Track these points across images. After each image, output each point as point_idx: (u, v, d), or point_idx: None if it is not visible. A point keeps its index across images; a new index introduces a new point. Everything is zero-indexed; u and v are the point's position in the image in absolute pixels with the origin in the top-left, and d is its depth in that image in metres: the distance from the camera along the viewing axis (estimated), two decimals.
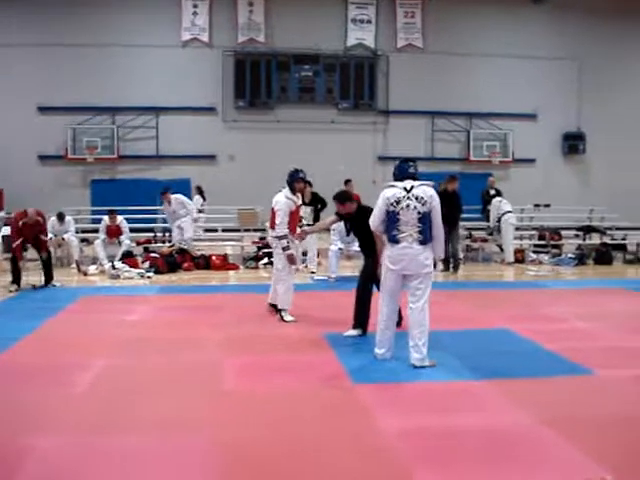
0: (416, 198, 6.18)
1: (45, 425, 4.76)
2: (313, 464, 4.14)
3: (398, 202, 6.17)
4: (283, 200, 8.40)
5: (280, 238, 8.33)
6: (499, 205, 15.22)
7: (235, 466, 4.12)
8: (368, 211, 7.57)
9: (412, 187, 6.22)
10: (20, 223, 10.74)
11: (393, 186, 6.29)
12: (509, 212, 15.16)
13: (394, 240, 6.23)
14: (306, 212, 12.76)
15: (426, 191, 6.25)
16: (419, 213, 6.18)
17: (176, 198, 14.47)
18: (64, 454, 4.29)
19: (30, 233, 10.90)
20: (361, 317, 7.52)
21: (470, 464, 4.13)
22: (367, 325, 7.51)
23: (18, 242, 10.72)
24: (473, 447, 4.41)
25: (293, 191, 8.57)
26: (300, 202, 8.91)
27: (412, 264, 6.21)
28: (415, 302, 6.25)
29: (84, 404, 5.26)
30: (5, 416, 4.98)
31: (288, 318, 8.37)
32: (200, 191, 18.63)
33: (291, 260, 8.37)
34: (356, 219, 7.69)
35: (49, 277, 11.27)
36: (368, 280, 7.52)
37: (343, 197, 7.77)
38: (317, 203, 13.65)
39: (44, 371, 6.16)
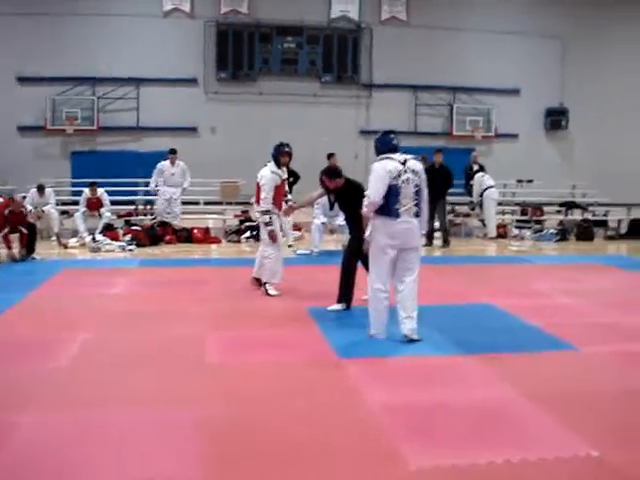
0: (412, 171, 6.14)
1: (29, 401, 4.70)
2: (298, 439, 4.13)
3: (399, 175, 6.07)
4: (269, 175, 8.32)
5: (263, 213, 8.28)
6: (482, 180, 15.25)
7: (221, 441, 4.10)
8: (356, 185, 7.56)
9: (406, 160, 6.18)
10: (6, 211, 10.83)
11: (390, 158, 6.16)
12: (491, 187, 15.20)
13: (396, 214, 6.09)
14: None
15: (417, 164, 6.23)
16: (416, 186, 6.15)
17: (180, 164, 14.75)
18: (49, 430, 4.24)
19: (14, 222, 10.99)
20: (346, 291, 7.50)
21: (455, 438, 4.15)
22: (351, 299, 7.51)
23: (5, 231, 10.84)
24: (458, 422, 4.42)
25: (278, 165, 8.50)
26: (286, 176, 8.84)
27: (411, 238, 6.18)
28: (409, 275, 6.23)
29: (68, 379, 5.22)
30: None
31: (272, 292, 8.35)
32: None
33: (272, 236, 8.31)
34: (343, 193, 7.64)
35: (31, 249, 11.17)
36: (353, 254, 7.45)
37: (333, 173, 7.70)
38: (290, 177, 13.50)
39: (26, 345, 6.09)
